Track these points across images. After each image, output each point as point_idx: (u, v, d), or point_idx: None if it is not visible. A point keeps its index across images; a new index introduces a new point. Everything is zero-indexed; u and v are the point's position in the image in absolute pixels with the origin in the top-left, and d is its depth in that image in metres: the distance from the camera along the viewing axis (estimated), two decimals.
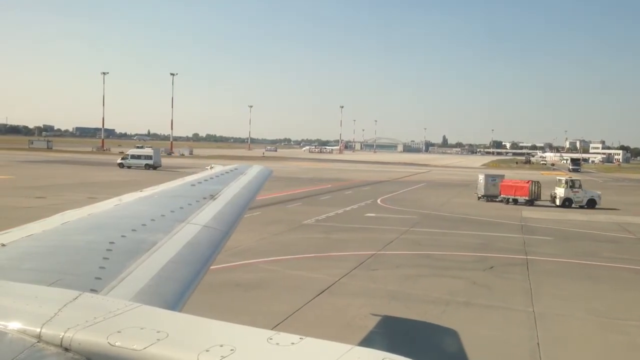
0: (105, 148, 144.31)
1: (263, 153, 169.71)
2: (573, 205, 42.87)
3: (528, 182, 45.38)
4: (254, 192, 7.34)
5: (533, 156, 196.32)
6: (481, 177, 47.89)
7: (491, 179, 47.00)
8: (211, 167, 8.80)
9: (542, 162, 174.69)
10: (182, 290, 3.75)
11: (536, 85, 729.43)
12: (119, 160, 76.26)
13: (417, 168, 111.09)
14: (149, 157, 74.69)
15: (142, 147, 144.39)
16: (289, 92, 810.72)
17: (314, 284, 17.04)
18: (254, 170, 8.73)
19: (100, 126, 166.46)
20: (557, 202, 43.67)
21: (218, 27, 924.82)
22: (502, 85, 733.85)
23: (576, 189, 43.82)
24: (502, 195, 45.15)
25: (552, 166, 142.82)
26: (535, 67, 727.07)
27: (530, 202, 43.64)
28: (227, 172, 8.22)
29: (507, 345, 12.50)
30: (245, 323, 2.29)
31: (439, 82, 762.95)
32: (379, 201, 43.22)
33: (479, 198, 46.46)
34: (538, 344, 12.39)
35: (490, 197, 45.74)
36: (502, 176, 48.73)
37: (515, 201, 44.12)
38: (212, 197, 6.22)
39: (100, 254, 3.92)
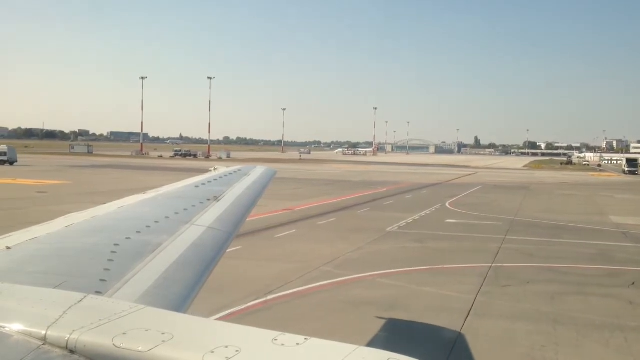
0: (144, 152, 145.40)
1: (300, 156, 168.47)
2: None
3: None
4: (258, 193, 7.21)
5: (571, 157, 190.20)
6: None
7: None
8: (215, 169, 8.64)
9: (584, 162, 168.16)
10: (187, 292, 3.68)
11: (569, 84, 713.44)
12: None
13: (460, 170, 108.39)
14: (3, 154, 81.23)
15: (180, 151, 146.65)
16: (318, 95, 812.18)
17: (452, 303, 15.29)
18: (258, 171, 8.52)
19: (134, 130, 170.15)
20: None
21: (246, 29, 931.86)
22: (534, 84, 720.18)
23: None
24: None
25: (599, 167, 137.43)
26: (567, 66, 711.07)
27: None
28: (230, 174, 8.07)
29: None
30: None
31: (469, 83, 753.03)
32: (447, 205, 41.33)
33: None
34: None
35: None
36: None
37: None
38: (216, 198, 6.11)
39: (105, 256, 3.87)
